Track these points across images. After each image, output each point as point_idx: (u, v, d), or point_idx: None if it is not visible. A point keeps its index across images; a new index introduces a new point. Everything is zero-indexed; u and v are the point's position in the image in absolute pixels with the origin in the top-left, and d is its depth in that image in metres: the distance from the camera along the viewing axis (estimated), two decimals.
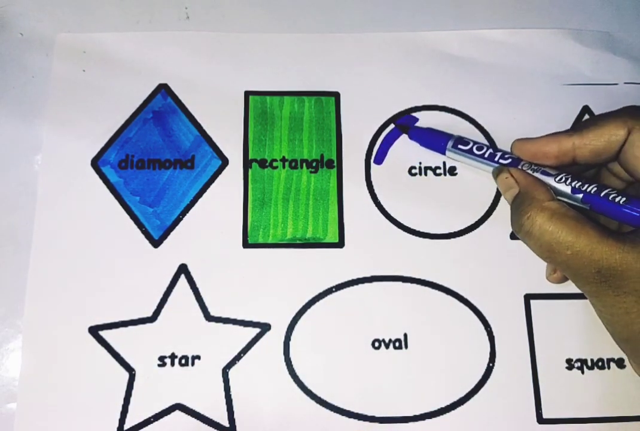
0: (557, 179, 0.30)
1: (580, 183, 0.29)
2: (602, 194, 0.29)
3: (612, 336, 0.29)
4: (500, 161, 0.32)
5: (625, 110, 0.30)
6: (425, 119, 0.36)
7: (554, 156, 0.30)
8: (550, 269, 0.33)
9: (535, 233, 0.28)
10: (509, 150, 0.32)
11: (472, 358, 0.33)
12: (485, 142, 0.36)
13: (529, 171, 0.31)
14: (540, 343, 0.33)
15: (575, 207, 0.29)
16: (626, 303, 0.27)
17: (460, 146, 0.33)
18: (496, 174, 0.32)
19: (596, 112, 0.36)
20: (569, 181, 0.30)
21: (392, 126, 0.36)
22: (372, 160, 0.35)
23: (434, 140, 0.34)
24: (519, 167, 0.31)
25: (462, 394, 0.32)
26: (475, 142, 0.33)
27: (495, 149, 0.32)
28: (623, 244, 0.26)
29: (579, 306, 0.33)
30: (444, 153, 0.34)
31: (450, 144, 0.33)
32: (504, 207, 0.35)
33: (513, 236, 0.34)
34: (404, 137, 0.36)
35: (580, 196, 0.29)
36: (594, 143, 0.29)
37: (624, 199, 0.28)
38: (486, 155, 0.32)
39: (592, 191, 0.29)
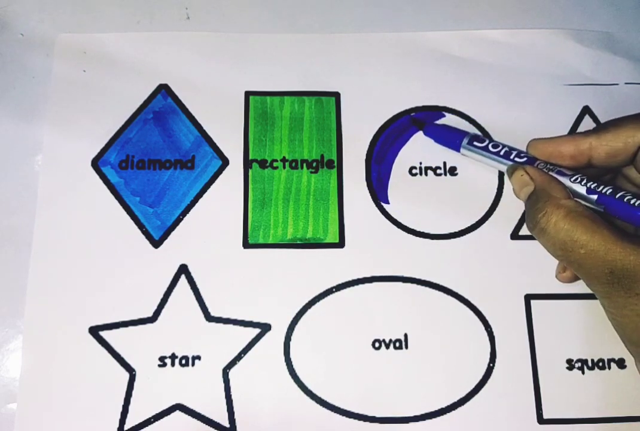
0: (572, 180, 0.30)
1: (595, 184, 0.29)
2: (617, 196, 0.28)
3: (622, 339, 0.29)
4: (516, 159, 0.32)
5: None
6: (425, 120, 0.36)
7: (570, 156, 0.30)
8: (560, 268, 0.33)
9: (550, 231, 0.28)
10: (524, 149, 0.32)
11: (472, 358, 0.33)
12: None
13: (545, 170, 0.30)
14: (540, 343, 0.33)
15: (589, 209, 0.29)
16: (638, 305, 0.26)
17: (475, 143, 0.33)
18: (511, 171, 0.31)
19: (596, 112, 0.36)
20: (584, 181, 0.29)
21: (391, 126, 0.36)
22: (372, 160, 0.35)
23: (449, 137, 0.34)
24: (535, 165, 0.31)
25: (462, 394, 0.32)
26: (490, 140, 0.33)
27: (511, 148, 0.32)
28: (638, 246, 0.26)
29: (580, 306, 0.33)
30: (458, 150, 0.34)
31: (465, 141, 0.33)
32: (504, 207, 0.35)
33: (513, 236, 0.34)
34: (404, 137, 0.36)
35: (595, 197, 0.29)
36: (610, 144, 0.29)
37: (639, 201, 0.28)
38: (502, 153, 0.32)
39: (607, 193, 0.29)
